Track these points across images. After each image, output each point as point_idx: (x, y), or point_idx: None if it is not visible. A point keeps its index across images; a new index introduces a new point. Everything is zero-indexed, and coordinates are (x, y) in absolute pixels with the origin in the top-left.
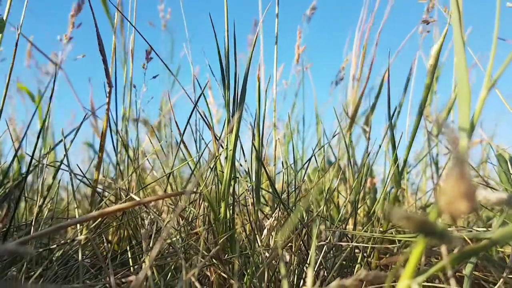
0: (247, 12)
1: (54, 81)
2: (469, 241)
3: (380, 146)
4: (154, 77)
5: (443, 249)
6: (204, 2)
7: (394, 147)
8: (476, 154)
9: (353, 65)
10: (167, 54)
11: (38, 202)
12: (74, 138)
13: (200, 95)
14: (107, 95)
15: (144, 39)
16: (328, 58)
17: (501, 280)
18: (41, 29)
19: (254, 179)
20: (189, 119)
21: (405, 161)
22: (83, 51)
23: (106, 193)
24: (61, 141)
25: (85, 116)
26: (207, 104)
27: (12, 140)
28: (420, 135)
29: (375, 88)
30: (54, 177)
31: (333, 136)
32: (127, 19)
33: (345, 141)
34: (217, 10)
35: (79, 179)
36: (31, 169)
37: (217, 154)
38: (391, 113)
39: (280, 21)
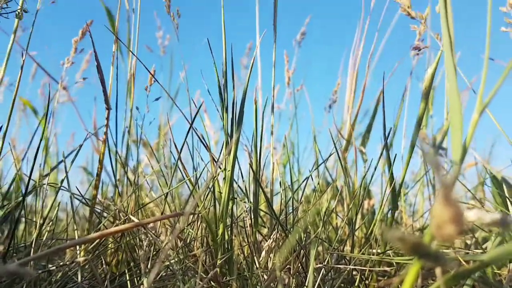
0: (242, 37)
1: (49, 99)
2: (464, 262)
3: (375, 168)
4: (157, 99)
5: (438, 270)
6: (202, 26)
7: (390, 168)
8: (473, 176)
9: (348, 87)
10: (166, 77)
11: (37, 224)
12: (75, 158)
13: (196, 114)
14: (106, 117)
15: (145, 66)
16: (325, 81)
17: None
18: (43, 49)
19: (252, 200)
20: (186, 138)
21: (402, 182)
22: (91, 73)
23: (105, 214)
24: (61, 161)
25: (86, 137)
26: (204, 127)
27: (14, 158)
28: (416, 156)
29: (370, 110)
30: (54, 199)
31: (329, 156)
32: (128, 48)
33: (341, 162)
34: (213, 34)
35: (78, 200)
36: (31, 190)
37: (215, 175)
38: (386, 134)
39: (273, 45)
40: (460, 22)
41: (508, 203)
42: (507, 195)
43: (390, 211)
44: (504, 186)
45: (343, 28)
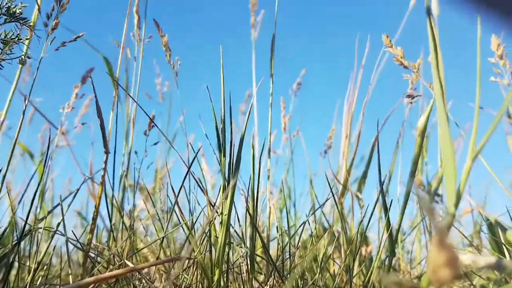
0: (240, 82)
1: (49, 145)
2: None
3: (372, 214)
4: (156, 143)
5: None
6: (200, 72)
7: (386, 213)
8: (469, 223)
9: (343, 133)
10: (164, 123)
11: (31, 268)
12: (72, 201)
13: (194, 157)
14: (104, 161)
15: (144, 112)
16: (320, 127)
17: None
18: (42, 94)
19: (248, 245)
20: (183, 181)
21: (399, 229)
22: (89, 118)
23: (99, 259)
24: (58, 205)
25: (84, 180)
26: (202, 170)
27: (10, 202)
28: (412, 202)
29: (365, 156)
30: (49, 244)
31: (326, 201)
32: (127, 93)
33: (337, 207)
34: (211, 79)
35: (73, 244)
36: (26, 233)
37: (212, 220)
38: (382, 180)
39: (270, 92)
40: (451, 69)
41: (504, 249)
42: (503, 241)
43: (387, 258)
44: (500, 232)
45: (338, 76)
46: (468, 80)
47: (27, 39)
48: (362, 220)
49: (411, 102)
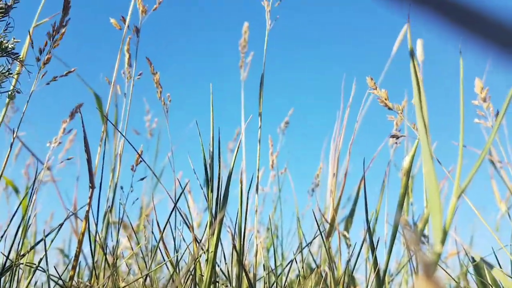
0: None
1: (35, 180)
2: None
3: (359, 253)
4: (142, 179)
5: None
6: (188, 110)
7: (373, 252)
8: (455, 265)
9: (330, 172)
10: (152, 159)
11: None
12: (55, 237)
13: (181, 193)
14: (89, 195)
15: (133, 146)
16: (307, 165)
17: None
18: (27, 128)
19: (234, 284)
20: (169, 217)
21: (386, 269)
22: (75, 153)
23: None
24: (41, 240)
25: (67, 215)
26: (188, 207)
27: None
28: (399, 243)
29: (353, 195)
30: (30, 280)
31: (313, 239)
32: (118, 130)
33: (325, 246)
34: (199, 117)
35: (54, 282)
36: (7, 269)
37: (197, 257)
38: (369, 220)
39: (258, 127)
40: (435, 109)
41: None
42: (489, 282)
43: None
44: (486, 271)
45: (325, 115)
46: (452, 120)
47: (17, 73)
48: (349, 260)
49: (396, 143)
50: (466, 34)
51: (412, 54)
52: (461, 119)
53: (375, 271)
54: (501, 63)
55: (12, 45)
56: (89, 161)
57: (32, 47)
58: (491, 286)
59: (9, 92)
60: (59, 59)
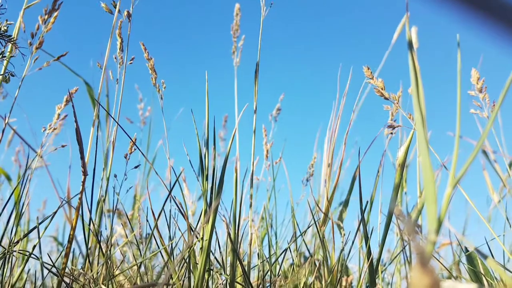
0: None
1: (26, 167)
2: None
3: (353, 242)
4: (136, 167)
5: None
6: (181, 97)
7: (367, 242)
8: (448, 256)
9: (325, 162)
10: (145, 147)
11: None
12: (48, 225)
13: (176, 180)
14: (82, 182)
15: (127, 134)
16: (302, 154)
17: None
18: (18, 115)
19: (228, 272)
20: (164, 205)
21: (379, 258)
22: (66, 139)
23: (74, 285)
24: (34, 228)
25: (60, 204)
26: (183, 196)
27: None
28: (392, 233)
29: (347, 184)
30: (23, 268)
31: (307, 228)
32: (112, 117)
33: (319, 235)
34: (192, 105)
35: (47, 269)
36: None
37: (192, 245)
38: (363, 209)
39: (252, 119)
40: (427, 99)
41: (483, 279)
42: (482, 271)
43: None
44: (480, 261)
45: (319, 105)
46: (444, 109)
47: (11, 56)
48: (343, 249)
49: (391, 133)
50: (472, 14)
51: (410, 43)
52: (458, 110)
53: (368, 260)
54: (506, 43)
55: (5, 28)
56: (81, 149)
57: (24, 31)
58: (484, 276)
59: (3, 76)
60: (46, 52)
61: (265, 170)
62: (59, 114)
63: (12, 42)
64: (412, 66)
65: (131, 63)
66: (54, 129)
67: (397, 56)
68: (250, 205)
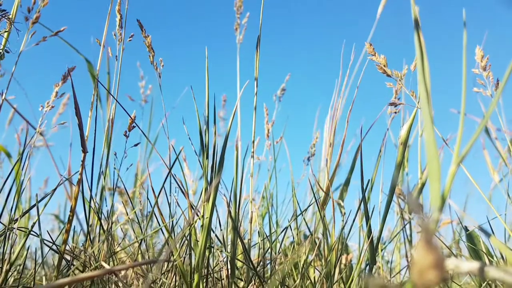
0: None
1: (25, 144)
2: None
3: (353, 221)
4: (136, 145)
5: None
6: (181, 76)
7: (368, 220)
8: (448, 234)
9: (326, 141)
10: (146, 125)
11: (3, 269)
12: (48, 202)
13: (176, 159)
14: (82, 160)
15: (126, 111)
16: (303, 134)
17: None
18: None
19: (229, 249)
20: (164, 183)
21: (379, 236)
22: (67, 118)
23: (75, 262)
24: (34, 205)
25: (59, 182)
26: (184, 175)
27: None
28: (392, 212)
29: (348, 164)
30: (23, 244)
31: (308, 206)
32: (111, 94)
33: (320, 213)
34: (193, 83)
35: (48, 246)
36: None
37: (192, 222)
38: (364, 188)
39: (251, 98)
40: (433, 78)
41: (485, 257)
42: (483, 249)
43: (368, 266)
44: (481, 241)
45: (322, 83)
46: (445, 88)
47: (6, 31)
48: (343, 228)
49: (395, 112)
50: None
51: (416, 20)
52: (464, 86)
53: (368, 239)
54: None
55: (0, 1)
56: (80, 125)
57: (20, 5)
58: (485, 253)
59: None
60: (44, 26)
61: (266, 150)
62: (57, 92)
63: (7, 18)
64: (418, 42)
65: (130, 40)
66: (52, 107)
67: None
68: (251, 181)
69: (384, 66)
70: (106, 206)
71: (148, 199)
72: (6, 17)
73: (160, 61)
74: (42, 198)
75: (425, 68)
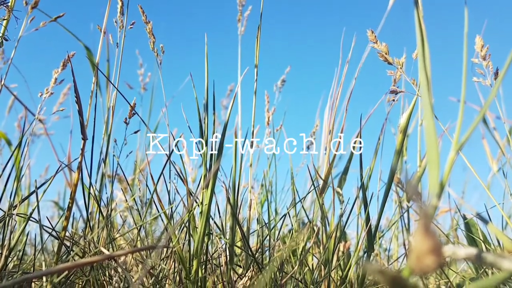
0: (222, 76)
1: (23, 129)
2: None
3: (351, 209)
4: (136, 132)
5: None
6: (182, 64)
7: (366, 208)
8: (446, 223)
9: (325, 129)
10: (146, 113)
11: (2, 255)
12: (47, 188)
13: (175, 144)
14: (81, 147)
15: (125, 99)
16: (303, 122)
17: None
18: (18, 80)
19: (228, 236)
20: (163, 169)
21: (378, 223)
22: (68, 106)
23: (75, 248)
24: (33, 192)
25: (58, 168)
26: (183, 162)
27: None
28: (391, 201)
29: (347, 152)
30: (22, 230)
31: (307, 194)
32: (111, 82)
33: (318, 200)
34: (194, 70)
35: (47, 232)
36: None
37: (191, 209)
38: (363, 176)
39: (254, 81)
40: (433, 67)
41: (482, 244)
42: (481, 237)
43: (366, 253)
44: (478, 229)
45: (322, 71)
46: (444, 77)
47: (4, 19)
48: (342, 215)
49: (394, 100)
50: None
51: (416, 4)
52: (464, 74)
53: (367, 226)
54: None
55: None
56: (80, 111)
57: None
58: (482, 241)
59: None
60: (43, 12)
61: (266, 138)
62: (56, 79)
63: (5, 6)
64: (419, 28)
65: (131, 27)
66: (51, 93)
67: (397, 21)
68: (250, 168)
69: (386, 53)
70: (106, 193)
71: (147, 186)
72: (5, 5)
73: (161, 47)
74: (42, 184)
75: (425, 53)
